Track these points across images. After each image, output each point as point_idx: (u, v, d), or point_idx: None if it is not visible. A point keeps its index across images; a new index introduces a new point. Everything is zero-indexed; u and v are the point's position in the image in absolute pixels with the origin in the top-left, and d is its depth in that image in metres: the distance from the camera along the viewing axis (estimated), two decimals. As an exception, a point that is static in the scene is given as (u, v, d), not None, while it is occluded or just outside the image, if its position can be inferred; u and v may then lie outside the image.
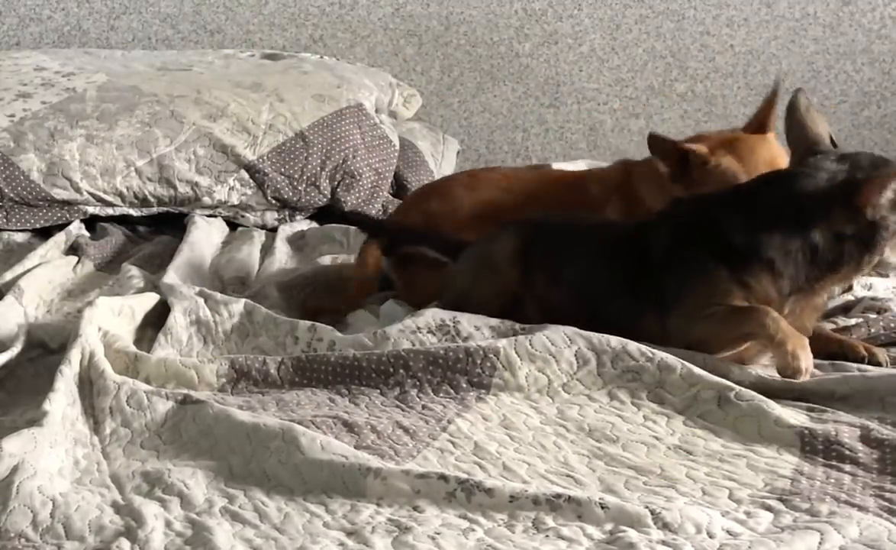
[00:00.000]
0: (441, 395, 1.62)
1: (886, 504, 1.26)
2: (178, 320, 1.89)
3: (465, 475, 1.31)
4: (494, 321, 1.81)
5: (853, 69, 3.57)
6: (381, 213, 2.72)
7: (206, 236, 2.52)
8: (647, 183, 2.15)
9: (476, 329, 1.79)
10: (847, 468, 1.36)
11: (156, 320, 1.94)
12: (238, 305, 1.93)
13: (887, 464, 1.36)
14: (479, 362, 1.65)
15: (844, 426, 1.46)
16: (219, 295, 1.97)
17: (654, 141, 2.12)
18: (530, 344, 1.67)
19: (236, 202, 2.67)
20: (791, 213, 1.71)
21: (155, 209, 2.70)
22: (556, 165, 2.98)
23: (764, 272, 1.72)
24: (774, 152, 2.11)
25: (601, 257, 1.90)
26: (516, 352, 1.66)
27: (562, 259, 1.93)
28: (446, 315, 1.82)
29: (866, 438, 1.43)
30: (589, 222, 2.05)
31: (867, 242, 1.70)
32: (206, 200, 2.65)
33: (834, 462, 1.38)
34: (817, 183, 1.71)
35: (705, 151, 2.08)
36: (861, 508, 1.25)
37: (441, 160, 3.16)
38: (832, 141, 1.84)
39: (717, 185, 2.03)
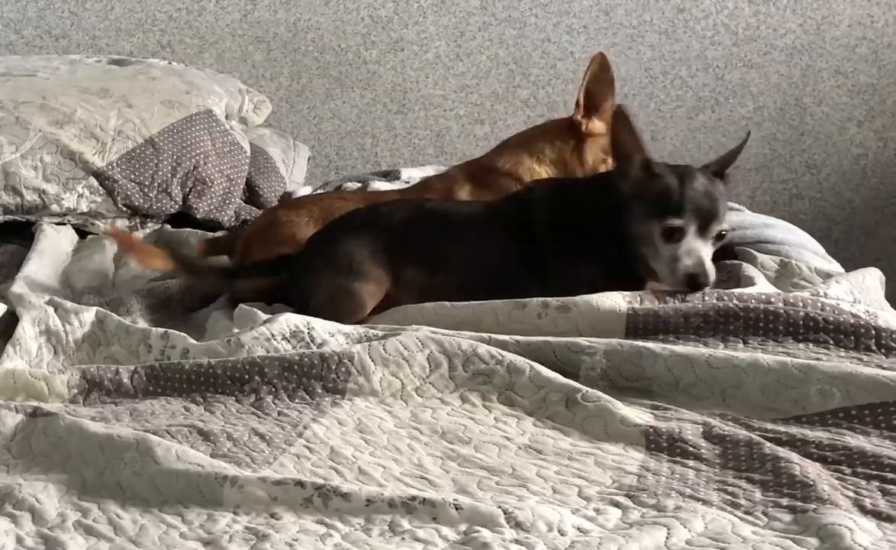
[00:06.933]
0: (297, 401, 1.62)
1: (729, 497, 1.30)
2: (26, 330, 1.85)
3: (321, 481, 1.31)
4: (348, 328, 1.83)
5: (688, 75, 3.66)
6: (233, 219, 2.71)
7: (55, 245, 2.47)
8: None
9: (330, 335, 1.80)
10: (691, 463, 1.40)
11: (3, 331, 1.90)
12: (89, 313, 1.90)
13: (729, 459, 1.40)
14: (333, 367, 1.66)
15: (687, 424, 1.50)
16: (69, 304, 1.95)
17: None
18: (384, 349, 1.68)
19: (86, 210, 2.62)
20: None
21: (1, 218, 2.64)
22: (405, 171, 3.00)
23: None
24: None
25: (488, 235, 2.00)
26: (370, 357, 1.67)
27: (445, 243, 1.99)
28: (300, 321, 1.83)
29: (708, 434, 1.46)
30: (448, 206, 2.10)
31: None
32: (55, 207, 2.59)
33: (678, 458, 1.42)
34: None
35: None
36: (705, 502, 1.28)
37: (292, 166, 3.16)
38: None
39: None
